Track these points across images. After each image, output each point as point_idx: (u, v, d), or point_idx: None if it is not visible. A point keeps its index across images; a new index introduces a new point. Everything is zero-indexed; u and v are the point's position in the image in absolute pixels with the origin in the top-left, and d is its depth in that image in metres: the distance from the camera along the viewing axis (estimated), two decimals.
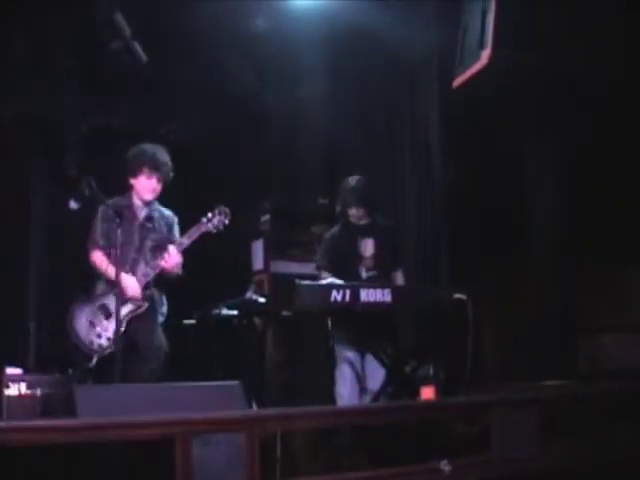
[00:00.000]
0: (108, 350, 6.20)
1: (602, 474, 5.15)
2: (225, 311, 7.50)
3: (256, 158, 9.15)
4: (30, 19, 7.93)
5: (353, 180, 7.07)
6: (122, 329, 6.17)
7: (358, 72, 8.94)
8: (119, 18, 8.11)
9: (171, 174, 6.56)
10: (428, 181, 8.62)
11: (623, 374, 7.21)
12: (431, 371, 6.80)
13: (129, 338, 6.24)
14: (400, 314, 6.58)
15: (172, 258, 6.29)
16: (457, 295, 6.42)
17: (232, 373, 5.84)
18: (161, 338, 6.37)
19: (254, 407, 6.20)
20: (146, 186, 6.48)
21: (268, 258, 8.69)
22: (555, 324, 8.12)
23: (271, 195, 9.13)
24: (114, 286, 6.12)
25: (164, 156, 6.52)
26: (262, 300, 7.51)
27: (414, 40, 8.34)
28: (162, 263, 6.30)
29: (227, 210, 6.45)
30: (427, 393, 6.32)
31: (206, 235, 6.43)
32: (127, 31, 8.17)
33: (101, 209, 6.48)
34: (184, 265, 6.48)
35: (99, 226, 6.49)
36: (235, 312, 7.53)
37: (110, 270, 6.26)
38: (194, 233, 6.38)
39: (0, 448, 3.86)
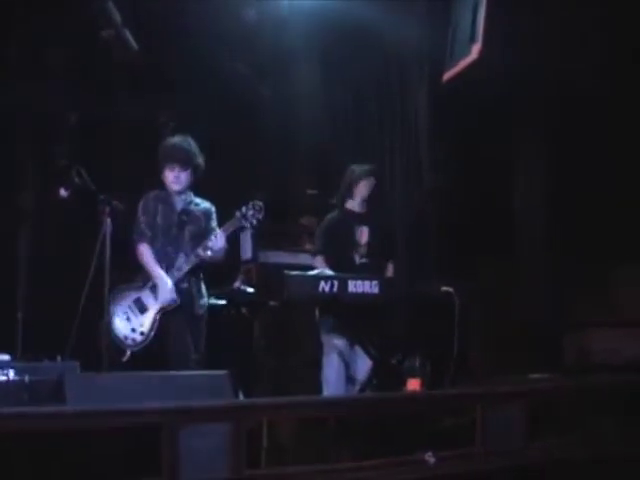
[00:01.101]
0: (141, 345, 6.21)
1: (587, 468, 5.18)
2: (213, 301, 7.51)
3: (246, 149, 9.14)
4: (18, 7, 7.90)
5: (360, 170, 7.13)
6: (155, 324, 6.23)
7: (349, 65, 8.95)
8: (110, 6, 8.09)
9: (197, 162, 6.53)
10: (417, 176, 8.65)
11: (608, 368, 7.26)
12: (417, 363, 6.83)
13: (161, 334, 6.27)
14: (387, 306, 6.59)
15: (219, 241, 6.24)
16: (444, 288, 6.45)
17: (220, 363, 5.87)
18: (187, 342, 6.29)
19: (241, 397, 6.22)
20: (169, 178, 6.47)
21: (256, 248, 8.68)
22: (542, 319, 8.17)
23: (260, 186, 9.12)
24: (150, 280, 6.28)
25: (183, 146, 6.50)
26: (250, 290, 7.52)
27: (405, 34, 8.38)
28: (205, 251, 6.26)
29: (261, 204, 6.36)
30: (413, 385, 6.36)
31: (241, 229, 6.51)
32: (118, 19, 8.15)
33: (142, 201, 6.53)
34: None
35: (143, 218, 6.48)
36: (223, 302, 7.55)
37: (153, 268, 6.32)
38: (229, 227, 6.36)
39: None
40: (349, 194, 7.10)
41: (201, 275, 6.52)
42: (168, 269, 6.33)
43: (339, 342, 6.77)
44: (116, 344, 6.24)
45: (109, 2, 8.08)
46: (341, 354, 6.77)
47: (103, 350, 6.02)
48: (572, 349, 8.14)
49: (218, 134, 8.80)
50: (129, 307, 6.31)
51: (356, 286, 6.23)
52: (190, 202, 6.58)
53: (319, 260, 6.97)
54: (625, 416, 5.53)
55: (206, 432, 4.24)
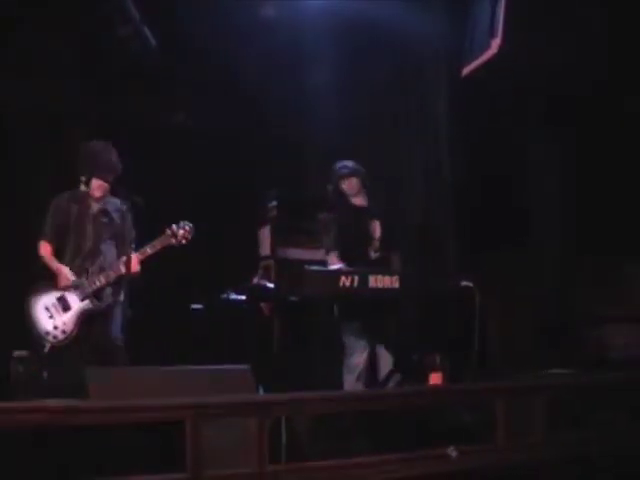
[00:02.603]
0: (61, 343, 6.26)
1: (605, 462, 5.18)
2: (233, 296, 7.53)
3: (264, 146, 9.15)
4: (34, 6, 7.92)
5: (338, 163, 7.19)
6: (77, 325, 6.27)
7: (367, 60, 8.94)
8: (129, 3, 8.11)
9: (119, 169, 6.51)
10: (436, 169, 8.65)
11: (628, 363, 7.25)
12: (438, 358, 6.83)
13: (82, 335, 6.32)
14: (408, 300, 6.58)
15: (133, 267, 6.21)
16: (464, 282, 6.45)
17: (240, 358, 5.87)
18: (111, 345, 6.37)
19: (261, 392, 6.23)
20: (94, 184, 6.48)
21: (275, 244, 8.70)
22: (560, 314, 8.16)
23: (279, 182, 9.13)
24: (75, 279, 6.31)
25: (108, 154, 6.49)
26: (269, 285, 7.53)
27: (424, 28, 8.36)
28: (122, 270, 6.26)
29: (190, 225, 6.40)
30: (435, 379, 6.36)
31: (169, 247, 6.40)
32: (136, 16, 8.17)
33: (53, 202, 6.54)
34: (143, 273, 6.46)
35: (49, 219, 6.51)
36: (243, 297, 7.56)
37: (51, 262, 6.39)
38: (158, 244, 6.37)
39: (6, 428, 3.91)
40: (339, 192, 7.12)
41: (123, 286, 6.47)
42: (91, 272, 6.39)
43: (360, 346, 6.77)
44: (37, 337, 6.29)
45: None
46: (361, 358, 6.77)
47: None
48: (591, 344, 8.12)
49: (235, 131, 8.84)
50: (52, 304, 6.33)
51: (377, 281, 6.22)
52: (107, 202, 6.60)
53: (333, 257, 6.97)
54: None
55: (230, 427, 4.26)
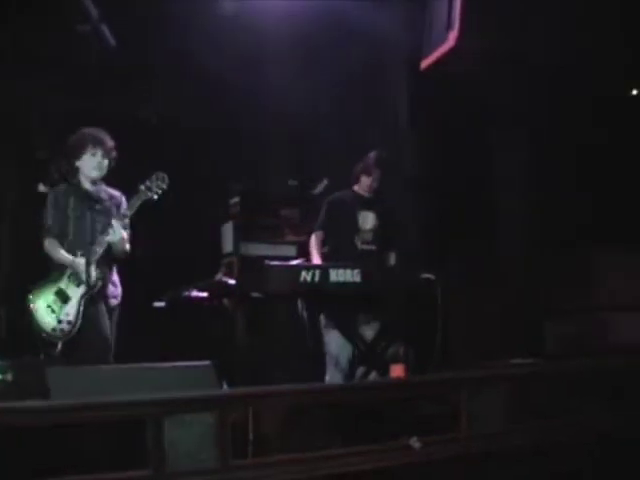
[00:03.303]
0: (70, 335, 6.17)
1: (568, 450, 5.22)
2: (195, 293, 7.52)
3: (226, 141, 9.14)
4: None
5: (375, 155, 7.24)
6: (80, 312, 6.18)
7: (328, 55, 8.95)
8: (87, 1, 8.06)
9: (114, 153, 6.45)
10: (398, 164, 8.66)
11: (588, 353, 7.31)
12: (401, 350, 6.85)
13: (88, 320, 6.23)
14: (370, 293, 6.60)
15: (116, 231, 6.17)
16: (425, 275, 6.47)
17: (203, 354, 5.86)
18: (105, 327, 6.32)
19: (225, 388, 6.22)
20: (91, 163, 6.38)
21: (238, 240, 8.69)
22: (523, 306, 8.21)
23: (240, 178, 9.12)
24: (67, 270, 6.21)
25: (105, 135, 6.41)
26: (232, 282, 7.53)
27: (382, 22, 8.36)
28: (107, 239, 6.22)
29: (164, 175, 6.27)
30: (397, 371, 6.38)
31: (148, 202, 6.28)
32: (95, 14, 8.12)
33: (50, 195, 6.45)
34: (132, 242, 6.44)
35: (50, 213, 6.41)
36: (205, 294, 7.55)
37: (62, 256, 6.28)
38: (135, 202, 6.27)
39: None
40: (358, 179, 7.15)
41: (113, 267, 6.47)
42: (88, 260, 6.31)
43: (335, 340, 6.79)
44: (47, 339, 6.20)
45: None
46: (338, 352, 6.78)
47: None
48: (553, 335, 8.19)
49: (197, 127, 8.82)
50: (52, 299, 6.25)
51: (338, 275, 6.24)
52: (101, 191, 6.50)
53: (316, 236, 7.01)
54: (605, 400, 5.57)
55: (191, 423, 4.25)
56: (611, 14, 7.28)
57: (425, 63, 7.70)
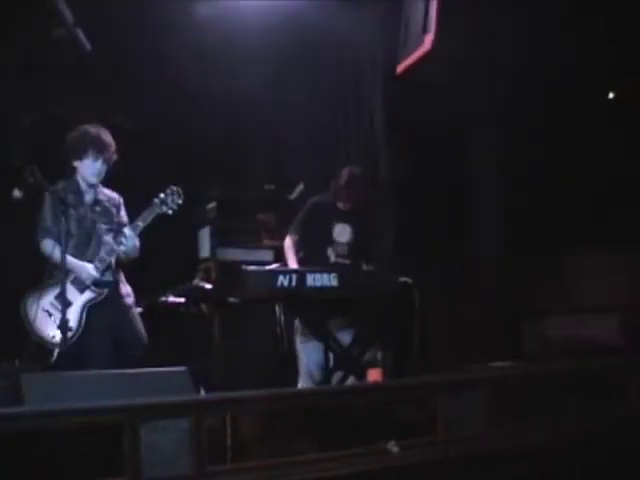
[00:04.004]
0: (71, 341, 6.01)
1: (548, 452, 5.23)
2: (172, 298, 7.50)
3: (202, 146, 9.13)
4: None
5: (346, 175, 7.10)
6: (82, 319, 6.09)
7: (303, 59, 8.95)
8: (62, 5, 8.02)
9: (115, 156, 6.39)
10: (374, 168, 8.67)
11: (566, 354, 7.34)
12: (378, 354, 6.84)
13: (92, 326, 6.13)
14: (347, 298, 6.59)
15: (129, 241, 6.14)
16: (402, 278, 6.46)
17: (180, 360, 5.84)
18: (138, 326, 6.28)
19: (202, 393, 6.19)
20: (91, 169, 6.29)
21: (214, 245, 8.67)
22: (501, 308, 8.23)
23: (217, 183, 9.10)
24: (69, 273, 6.04)
25: (108, 137, 6.34)
26: (209, 287, 7.51)
27: (358, 27, 8.38)
28: (119, 246, 6.17)
29: (179, 189, 6.31)
30: (374, 375, 6.37)
31: (161, 216, 6.30)
32: (70, 19, 8.09)
33: (47, 196, 6.25)
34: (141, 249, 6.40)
35: (48, 213, 6.26)
36: (182, 299, 7.53)
37: (68, 259, 6.04)
38: (148, 215, 6.23)
39: None
40: (338, 199, 7.10)
41: (120, 270, 6.42)
42: (91, 262, 6.22)
43: (310, 345, 6.77)
44: (43, 346, 6.07)
45: (60, 1, 8.01)
46: (311, 357, 6.77)
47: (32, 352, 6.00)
48: (531, 337, 8.22)
49: (172, 132, 8.79)
50: (51, 303, 6.11)
51: (315, 279, 6.22)
52: (99, 193, 6.43)
53: (291, 239, 7.00)
54: (583, 400, 5.58)
55: (167, 428, 4.23)
56: (591, 13, 7.32)
57: (401, 67, 7.72)
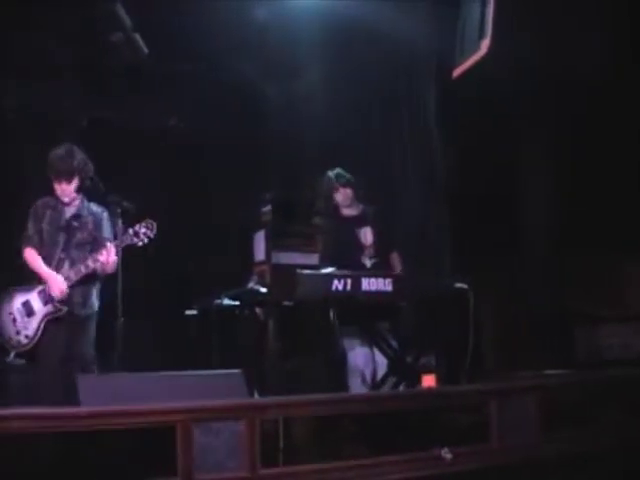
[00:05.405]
0: (25, 348, 6.20)
1: (600, 461, 5.18)
2: (227, 301, 7.51)
3: (258, 149, 9.16)
4: (30, 12, 7.92)
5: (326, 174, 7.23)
6: (40, 329, 6.21)
7: (358, 62, 8.94)
8: (120, 10, 8.11)
9: (83, 171, 6.41)
10: (428, 169, 8.65)
11: (620, 363, 7.26)
12: (433, 360, 6.82)
13: (46, 341, 6.24)
14: (402, 303, 6.57)
15: (109, 256, 6.17)
16: (458, 284, 6.43)
17: (233, 363, 5.86)
18: (80, 360, 6.28)
19: (256, 397, 6.21)
20: (57, 190, 6.42)
21: (269, 249, 8.67)
22: (553, 313, 8.15)
23: (272, 186, 9.12)
24: (39, 284, 6.27)
25: (65, 158, 6.37)
26: (263, 290, 7.52)
27: (414, 31, 8.35)
28: (95, 263, 6.23)
29: (153, 223, 6.31)
30: (428, 381, 6.34)
31: (132, 247, 6.30)
32: (128, 23, 8.17)
33: (32, 208, 6.50)
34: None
35: (30, 224, 6.46)
36: (237, 302, 7.54)
37: (40, 268, 6.31)
38: (120, 243, 6.25)
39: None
40: (330, 202, 7.11)
41: (94, 283, 6.46)
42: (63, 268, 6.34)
43: (359, 347, 6.77)
44: (1, 342, 6.28)
45: (118, 6, 8.09)
46: (362, 360, 6.77)
47: None
48: (583, 345, 8.13)
49: (228, 135, 8.83)
50: (17, 309, 6.29)
51: (370, 284, 6.21)
52: (82, 208, 6.53)
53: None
54: (636, 408, 5.52)
55: (220, 431, 4.25)
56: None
57: (457, 71, 7.69)
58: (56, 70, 8.18)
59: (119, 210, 6.20)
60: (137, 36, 8.26)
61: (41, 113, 8.14)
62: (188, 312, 7.85)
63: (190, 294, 7.88)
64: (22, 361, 6.25)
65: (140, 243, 6.29)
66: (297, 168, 9.43)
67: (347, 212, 7.14)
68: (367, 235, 7.07)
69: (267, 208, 8.84)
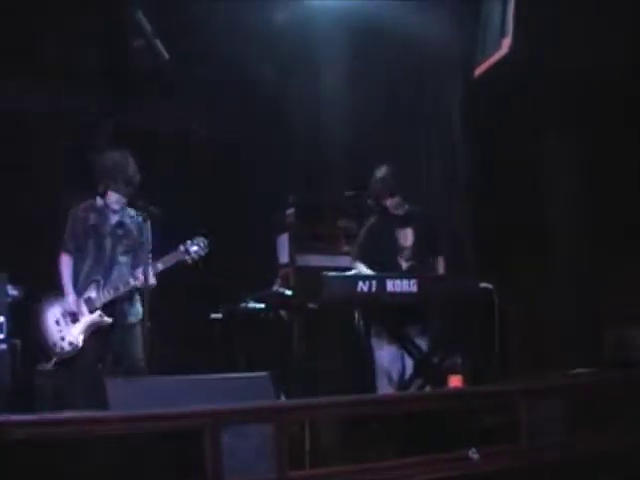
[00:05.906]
0: (68, 355, 6.20)
1: (630, 460, 5.15)
2: (252, 304, 7.53)
3: (281, 152, 9.16)
4: (57, 19, 7.97)
5: (381, 170, 7.05)
6: (84, 338, 6.21)
7: (381, 63, 8.94)
8: (140, 16, 8.14)
9: (137, 181, 6.39)
10: (453, 169, 8.64)
11: None
12: (459, 361, 6.80)
13: (88, 350, 6.25)
14: (427, 304, 6.55)
15: (147, 280, 6.04)
16: (483, 284, 6.42)
17: (259, 366, 5.87)
18: (132, 365, 6.26)
19: (282, 399, 6.21)
20: (113, 198, 6.36)
21: (294, 251, 8.70)
22: (582, 314, 8.12)
23: (296, 189, 9.13)
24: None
25: (133, 167, 6.38)
26: (288, 293, 7.53)
27: (436, 30, 8.35)
28: (136, 280, 6.22)
29: (205, 241, 6.31)
30: (454, 382, 6.33)
31: (182, 264, 6.30)
32: (149, 29, 8.20)
33: (71, 213, 6.46)
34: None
35: (68, 229, 6.43)
36: (262, 305, 7.56)
37: (66, 284, 6.30)
38: (170, 260, 6.25)
39: (32, 440, 3.91)
40: (382, 198, 7.05)
41: (137, 290, 6.42)
42: (104, 284, 6.30)
43: (387, 348, 6.76)
44: (45, 348, 6.26)
45: (139, 12, 8.13)
46: (389, 361, 6.76)
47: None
48: (611, 345, 8.08)
49: (251, 138, 8.85)
50: (62, 314, 6.28)
51: (395, 285, 6.20)
52: (125, 215, 6.49)
53: (359, 266, 6.95)
54: None
55: (248, 433, 4.25)
56: None
57: (479, 70, 7.69)
58: (82, 75, 8.21)
59: (146, 214, 6.17)
60: (158, 42, 8.28)
61: (69, 116, 8.18)
62: (213, 315, 7.87)
63: (215, 297, 7.89)
64: (54, 367, 6.25)
65: (190, 261, 6.27)
66: (321, 170, 9.44)
67: (394, 212, 7.06)
68: (407, 236, 7.01)
69: (291, 210, 8.87)
